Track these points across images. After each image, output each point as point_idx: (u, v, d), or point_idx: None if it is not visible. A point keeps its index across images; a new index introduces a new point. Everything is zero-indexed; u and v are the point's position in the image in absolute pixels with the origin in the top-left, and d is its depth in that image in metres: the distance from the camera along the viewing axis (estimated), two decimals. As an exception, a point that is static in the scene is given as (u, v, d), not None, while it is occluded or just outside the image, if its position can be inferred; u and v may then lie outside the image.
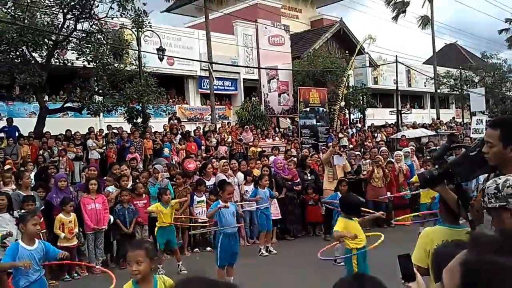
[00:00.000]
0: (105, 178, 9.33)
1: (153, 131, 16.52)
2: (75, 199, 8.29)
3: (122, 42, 15.95)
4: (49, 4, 14.37)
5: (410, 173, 11.27)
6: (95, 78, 15.57)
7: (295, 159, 11.95)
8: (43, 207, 7.83)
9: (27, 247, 4.87)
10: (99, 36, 15.14)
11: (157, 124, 18.10)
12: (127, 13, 15.15)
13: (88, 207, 8.03)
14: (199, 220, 9.23)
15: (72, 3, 14.12)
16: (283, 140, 19.11)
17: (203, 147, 16.61)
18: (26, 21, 13.36)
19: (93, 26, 14.95)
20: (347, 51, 27.93)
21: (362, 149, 15.24)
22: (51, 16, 14.41)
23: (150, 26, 16.70)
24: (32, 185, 8.44)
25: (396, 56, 28.49)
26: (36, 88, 14.55)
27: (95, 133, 15.59)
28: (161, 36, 18.38)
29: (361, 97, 27.49)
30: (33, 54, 14.52)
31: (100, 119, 18.03)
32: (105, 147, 14.81)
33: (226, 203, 6.69)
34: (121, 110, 16.21)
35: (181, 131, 17.78)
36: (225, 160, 10.88)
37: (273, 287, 6.89)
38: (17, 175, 8.39)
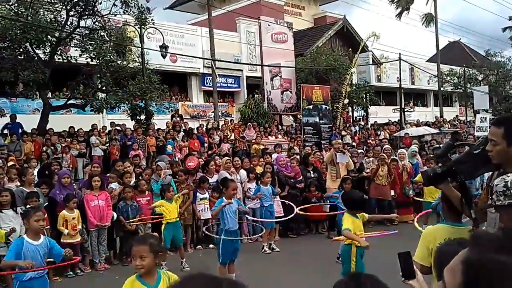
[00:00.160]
0: (108, 175, 9.36)
1: (156, 128, 16.54)
2: (79, 195, 8.32)
3: (125, 39, 15.95)
4: (52, 1, 14.38)
5: (415, 171, 11.24)
6: (98, 75, 15.57)
7: (298, 156, 11.95)
8: (46, 203, 7.86)
9: (32, 242, 4.88)
10: (102, 33, 15.14)
11: (160, 121, 18.12)
12: (130, 10, 15.14)
13: (91, 204, 8.06)
14: (202, 218, 9.25)
15: (75, 0, 14.13)
16: (285, 137, 19.10)
17: (206, 145, 16.62)
18: (29, 18, 13.37)
19: (96, 23, 14.95)
20: (350, 49, 27.87)
21: (365, 147, 15.22)
22: (54, 13, 14.41)
23: (153, 23, 16.69)
24: (35, 182, 8.47)
25: (400, 53, 28.41)
26: (39, 85, 14.57)
27: (98, 130, 15.62)
28: (164, 33, 18.37)
29: (364, 95, 27.42)
30: (37, 51, 14.54)
31: (103, 116, 18.05)
32: (108, 144, 14.84)
33: (230, 199, 6.70)
34: (124, 107, 16.23)
35: (184, 128, 17.80)
36: (227, 158, 10.89)
37: (276, 284, 6.90)
38: (21, 172, 8.42)
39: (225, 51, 23.73)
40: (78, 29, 14.69)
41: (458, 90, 35.03)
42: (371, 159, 11.97)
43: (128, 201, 8.45)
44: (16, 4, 13.60)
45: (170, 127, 17.14)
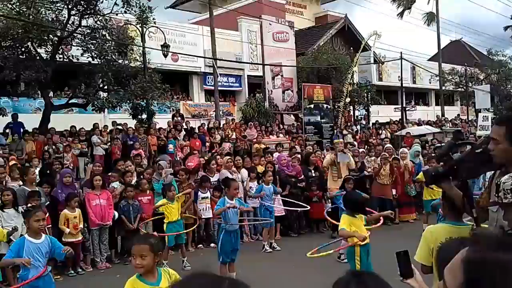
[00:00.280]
0: (109, 174, 9.37)
1: (157, 127, 16.55)
2: (80, 195, 8.33)
3: (127, 38, 15.95)
4: (54, 0, 14.39)
5: (417, 171, 11.22)
6: (100, 74, 15.58)
7: (299, 156, 11.94)
8: (48, 202, 7.87)
9: (34, 240, 4.90)
10: (103, 32, 15.14)
11: (161, 120, 18.13)
12: (132, 9, 15.14)
13: (92, 203, 8.07)
14: (203, 217, 9.26)
15: (77, -1, 14.15)
16: (287, 137, 19.10)
17: (207, 144, 16.63)
18: (31, 17, 13.38)
19: (98, 22, 14.95)
20: (351, 48, 27.85)
21: (366, 146, 15.21)
22: (56, 12, 14.42)
23: (155, 23, 16.68)
24: (37, 181, 8.49)
25: (401, 53, 28.39)
26: (41, 84, 14.59)
27: (100, 129, 15.63)
28: (166, 32, 18.37)
29: (365, 94, 27.41)
30: (38, 50, 14.56)
31: (104, 115, 18.06)
32: (109, 143, 14.85)
33: (233, 200, 6.71)
34: (126, 106, 16.24)
35: (185, 127, 17.81)
36: (229, 157, 10.90)
37: (277, 283, 6.90)
38: (22, 171, 8.44)
39: (227, 50, 23.73)
40: (79, 28, 14.69)
41: (460, 89, 34.99)
42: (372, 158, 11.97)
43: (129, 200, 8.45)
44: (18, 3, 13.60)
45: (172, 127, 17.14)
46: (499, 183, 2.23)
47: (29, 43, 14.09)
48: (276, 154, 12.52)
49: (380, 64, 30.88)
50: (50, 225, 7.44)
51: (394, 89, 32.45)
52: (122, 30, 15.79)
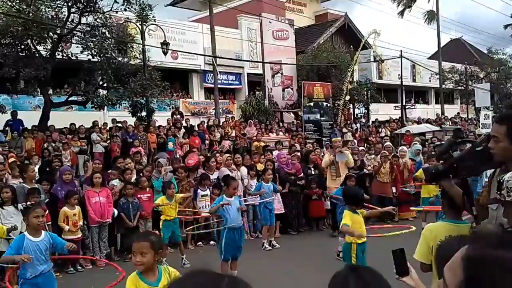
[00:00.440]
0: (109, 171, 9.37)
1: (156, 125, 16.54)
2: (80, 192, 8.33)
3: (126, 36, 15.93)
4: (53, -3, 14.37)
5: (415, 169, 11.23)
6: (100, 72, 15.57)
7: (299, 153, 11.94)
8: (48, 199, 7.87)
9: (33, 238, 4.89)
10: (103, 30, 15.12)
11: (161, 118, 18.12)
12: (132, 7, 15.12)
13: (92, 201, 8.07)
14: (202, 214, 9.26)
15: (77, -3, 14.12)
16: (286, 134, 19.09)
17: (206, 142, 16.62)
18: (31, 14, 13.36)
19: (98, 20, 14.92)
20: (351, 46, 27.82)
21: (366, 144, 15.21)
22: (56, 10, 14.40)
23: (154, 20, 16.66)
24: (36, 178, 8.49)
25: (401, 51, 28.36)
26: (40, 82, 14.58)
27: (99, 126, 15.62)
28: (165, 30, 18.35)
29: (365, 92, 27.40)
30: (38, 47, 14.54)
31: (104, 113, 18.04)
32: (109, 141, 14.85)
33: (231, 198, 6.70)
34: (125, 104, 16.23)
35: (185, 125, 17.80)
36: (228, 155, 10.89)
37: (276, 281, 6.91)
38: (22, 168, 8.44)
39: (226, 48, 23.70)
40: (79, 26, 14.67)
41: (460, 87, 34.99)
42: (372, 156, 11.97)
43: (129, 197, 8.45)
44: (17, 1, 13.58)
45: (171, 124, 17.14)
46: (502, 180, 2.23)
47: (28, 41, 14.07)
48: (275, 152, 12.52)
49: (380, 63, 30.87)
50: (50, 222, 7.44)
51: (394, 87, 32.44)
52: (122, 28, 15.77)
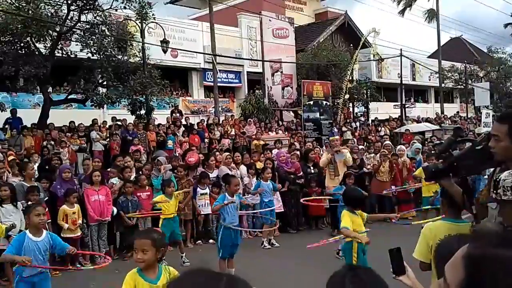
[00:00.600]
0: (108, 169, 9.36)
1: (156, 123, 16.53)
2: (79, 190, 8.32)
3: (126, 34, 15.91)
4: (53, -5, 14.34)
5: (415, 168, 11.22)
6: (99, 70, 15.55)
7: (298, 152, 11.94)
8: (47, 198, 7.86)
9: (34, 238, 4.87)
10: (103, 28, 15.10)
11: (160, 116, 18.11)
12: (131, 4, 15.11)
13: (91, 199, 8.07)
14: (202, 213, 9.26)
15: (76, -6, 14.10)
16: (286, 133, 19.09)
17: (206, 140, 16.62)
18: (30, 12, 13.33)
19: (97, 18, 14.91)
20: (351, 45, 27.80)
21: (365, 143, 15.21)
22: (55, 7, 14.38)
23: (154, 18, 16.65)
24: (36, 176, 8.48)
25: (401, 49, 28.36)
26: (40, 80, 14.56)
27: (99, 125, 15.61)
28: (165, 28, 18.32)
29: (365, 91, 27.40)
30: (38, 45, 14.52)
31: (103, 111, 18.03)
32: (108, 139, 14.84)
33: (233, 196, 6.71)
34: (125, 102, 16.22)
35: (184, 123, 17.79)
36: (228, 153, 10.89)
37: (275, 279, 6.91)
38: (21, 166, 8.43)
39: (226, 46, 23.68)
40: (79, 24, 14.65)
41: (459, 86, 35.00)
42: (371, 155, 11.97)
43: (128, 196, 8.45)
44: (17, -2, 13.57)
45: (170, 123, 17.13)
46: (498, 179, 2.23)
47: (28, 38, 14.05)
48: (275, 151, 12.51)
49: (380, 61, 30.86)
50: (49, 221, 7.43)
51: (394, 86, 32.44)
52: (121, 26, 15.75)
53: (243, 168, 10.28)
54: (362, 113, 27.98)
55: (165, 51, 17.86)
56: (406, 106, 28.91)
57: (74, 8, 14.42)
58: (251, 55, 25.77)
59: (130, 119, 16.45)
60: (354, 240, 5.42)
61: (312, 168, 10.79)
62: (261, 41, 25.98)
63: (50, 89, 16.89)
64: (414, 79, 35.29)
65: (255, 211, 9.35)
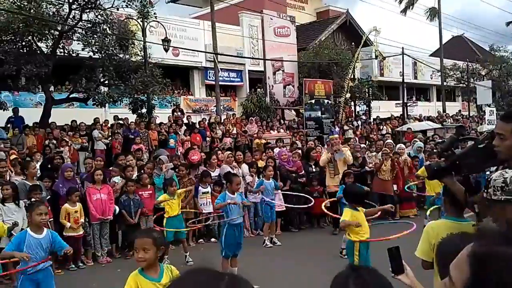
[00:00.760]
0: (110, 168, 9.37)
1: (157, 122, 16.54)
2: (81, 189, 8.33)
3: (128, 32, 15.92)
4: (54, -6, 14.36)
5: (418, 166, 11.19)
6: (101, 69, 15.57)
7: (300, 151, 11.93)
8: (49, 196, 7.87)
9: (35, 235, 4.91)
10: (104, 27, 15.12)
11: (162, 115, 18.12)
12: (133, 3, 15.12)
13: (93, 197, 8.07)
14: (203, 211, 9.26)
15: (78, -7, 14.12)
16: (288, 132, 19.08)
17: (208, 139, 16.63)
18: (32, 11, 13.35)
19: (99, 17, 14.92)
20: (353, 43, 27.77)
21: (367, 141, 15.20)
22: (57, 6, 14.40)
23: (156, 17, 16.65)
24: (38, 175, 8.49)
25: (403, 48, 28.32)
26: (42, 79, 14.58)
27: (101, 123, 15.63)
28: (167, 27, 18.32)
29: (366, 89, 27.37)
30: (39, 44, 14.54)
31: (105, 110, 18.06)
32: (110, 138, 14.86)
33: (234, 195, 6.71)
34: (126, 101, 16.23)
35: (186, 122, 17.80)
36: (229, 152, 10.88)
37: (278, 278, 6.91)
38: (23, 165, 8.44)
39: (228, 45, 23.67)
40: (80, 23, 14.67)
41: (461, 84, 34.94)
42: (373, 154, 11.95)
43: (130, 195, 8.45)
44: (19, -3, 13.59)
45: (172, 121, 17.14)
46: (489, 179, 2.24)
47: (30, 37, 14.07)
48: (277, 149, 12.50)
49: (382, 60, 30.83)
50: (52, 219, 7.45)
51: (396, 84, 32.40)
52: (123, 25, 15.76)
53: (244, 167, 10.28)
54: (364, 112, 27.96)
55: (166, 50, 17.86)
56: (408, 104, 28.89)
57: (75, 7, 14.44)
58: (253, 54, 25.76)
59: (132, 118, 16.47)
60: (352, 233, 5.44)
61: (313, 166, 10.78)
62: (262, 40, 25.96)
63: (52, 88, 16.90)
64: (416, 78, 35.25)
65: (259, 197, 9.23)
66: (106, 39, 15.02)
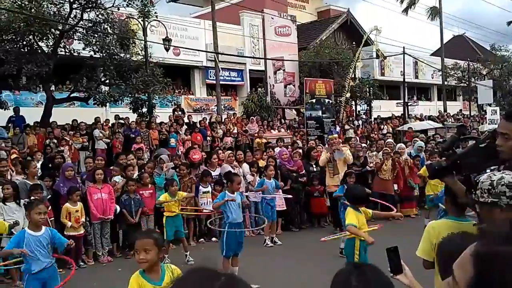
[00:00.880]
0: (111, 168, 9.37)
1: (158, 121, 16.54)
2: (82, 188, 8.33)
3: (129, 32, 15.93)
4: (55, -7, 14.36)
5: (420, 166, 11.18)
6: (102, 68, 15.57)
7: (301, 150, 11.93)
8: (50, 196, 7.88)
9: (34, 233, 4.93)
10: (105, 26, 15.13)
11: (163, 114, 18.12)
12: (133, 3, 15.12)
13: (94, 197, 8.07)
14: (204, 211, 9.26)
15: (79, -7, 14.12)
16: (288, 131, 19.07)
17: (208, 138, 16.63)
18: (33, 10, 13.36)
19: (100, 16, 14.93)
20: (354, 42, 27.75)
21: (368, 141, 15.20)
22: (58, 6, 14.41)
23: (156, 16, 16.65)
24: (39, 174, 8.50)
25: (404, 47, 28.30)
26: (42, 78, 14.59)
27: (102, 123, 15.64)
28: (167, 26, 18.33)
29: (367, 89, 27.35)
30: (40, 43, 14.54)
31: (106, 109, 18.08)
32: (111, 137, 14.86)
33: (234, 194, 6.70)
34: (127, 100, 16.24)
35: (187, 121, 17.80)
36: (230, 151, 10.88)
37: (278, 277, 6.91)
38: (24, 165, 8.45)
39: (228, 44, 23.67)
40: (81, 22, 14.67)
41: (462, 84, 34.90)
42: (374, 153, 11.95)
43: (131, 194, 8.46)
44: (19, -3, 13.59)
45: (173, 121, 17.14)
46: (477, 181, 2.25)
47: (30, 37, 14.08)
48: (277, 149, 12.50)
49: (382, 59, 30.80)
50: (52, 219, 7.45)
51: (396, 84, 32.38)
52: (124, 24, 15.77)
53: (245, 166, 10.28)
54: (364, 111, 27.93)
55: (167, 49, 17.87)
56: (409, 104, 28.87)
57: (76, 7, 14.45)
58: (253, 53, 25.75)
59: (133, 117, 16.48)
60: (356, 237, 5.41)
61: (314, 166, 10.77)
62: (263, 39, 25.95)
63: (52, 88, 16.92)
64: (417, 77, 35.22)
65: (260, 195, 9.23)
66: (107, 38, 15.03)
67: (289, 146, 13.07)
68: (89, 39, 14.72)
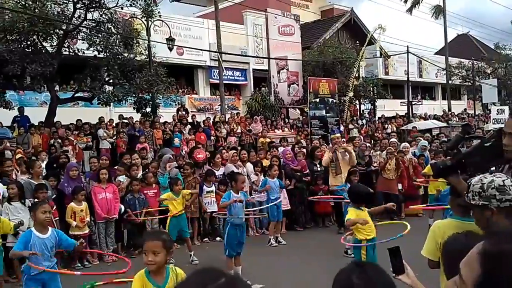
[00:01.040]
0: (116, 167, 9.39)
1: (162, 121, 16.57)
2: (86, 188, 8.36)
3: (132, 31, 15.96)
4: (59, -7, 14.40)
5: (424, 165, 11.14)
6: (106, 68, 15.61)
7: (304, 150, 11.92)
8: (55, 195, 7.91)
9: (40, 235, 4.88)
10: (109, 26, 15.16)
11: (166, 114, 18.15)
12: (137, 2, 15.15)
13: (98, 197, 8.10)
14: (208, 211, 9.27)
15: (82, -7, 14.15)
16: (292, 131, 19.06)
17: (212, 138, 16.65)
18: (36, 10, 13.40)
19: (103, 16, 14.96)
20: (357, 42, 27.70)
21: (372, 140, 15.17)
22: (61, 6, 14.44)
23: (160, 16, 16.67)
24: (43, 174, 8.52)
25: (408, 46, 28.24)
26: (46, 78, 14.64)
27: (106, 122, 15.68)
28: (171, 26, 18.35)
29: (371, 88, 27.30)
30: (44, 43, 14.59)
31: (110, 109, 18.12)
32: (115, 137, 14.90)
33: (238, 194, 6.71)
34: (131, 100, 16.27)
35: (191, 121, 17.83)
36: (234, 151, 10.89)
37: (282, 277, 6.91)
38: (29, 164, 8.48)
39: (232, 43, 23.68)
40: (85, 22, 14.71)
41: (467, 83, 34.80)
42: (378, 152, 11.92)
43: (135, 193, 8.48)
44: (23, -3, 13.64)
45: (177, 120, 17.17)
46: (469, 183, 2.27)
47: (34, 37, 14.12)
48: (281, 149, 12.50)
49: (386, 58, 30.75)
50: (57, 218, 7.48)
51: (400, 83, 32.32)
52: (127, 24, 15.80)
53: (249, 166, 10.27)
54: (368, 111, 27.88)
55: (171, 49, 17.89)
56: (413, 103, 28.81)
57: (80, 6, 14.48)
58: (257, 53, 25.75)
59: (137, 117, 16.51)
60: (356, 233, 5.42)
61: (318, 165, 10.75)
62: (266, 39, 25.95)
63: (56, 87, 16.99)
64: (421, 76, 35.12)
65: (261, 207, 9.23)
66: (111, 38, 15.05)
67: (295, 145, 13.01)
68: (93, 39, 14.75)
